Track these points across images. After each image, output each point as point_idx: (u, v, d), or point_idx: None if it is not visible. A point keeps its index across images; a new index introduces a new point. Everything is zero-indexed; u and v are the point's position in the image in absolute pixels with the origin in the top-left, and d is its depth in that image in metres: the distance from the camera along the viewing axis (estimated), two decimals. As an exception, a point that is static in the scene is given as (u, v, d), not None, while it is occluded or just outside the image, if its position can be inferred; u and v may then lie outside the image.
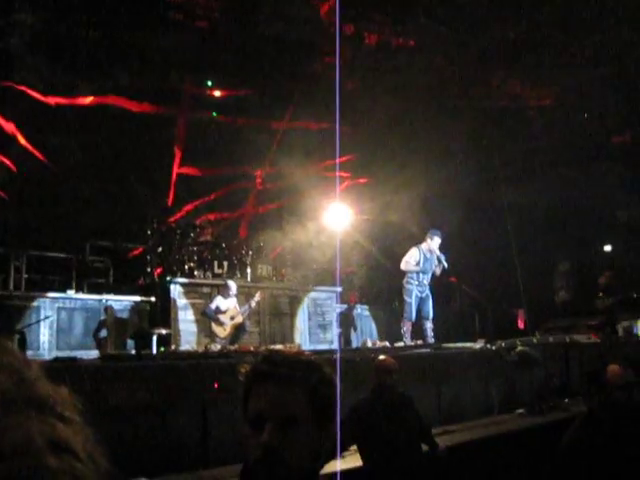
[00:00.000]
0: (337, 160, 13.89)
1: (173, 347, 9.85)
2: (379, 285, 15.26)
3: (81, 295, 10.89)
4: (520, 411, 8.53)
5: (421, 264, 10.73)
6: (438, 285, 11.86)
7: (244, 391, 1.55)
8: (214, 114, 15.00)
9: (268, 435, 1.44)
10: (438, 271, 10.84)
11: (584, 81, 14.45)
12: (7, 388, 0.53)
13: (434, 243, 10.73)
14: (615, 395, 3.52)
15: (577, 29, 13.27)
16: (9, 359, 0.56)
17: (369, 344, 11.25)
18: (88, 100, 13.20)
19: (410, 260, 10.77)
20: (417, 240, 11.14)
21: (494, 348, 10.06)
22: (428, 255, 10.77)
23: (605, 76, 14.16)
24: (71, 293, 10.75)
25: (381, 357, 5.11)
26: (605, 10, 12.75)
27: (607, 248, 17.52)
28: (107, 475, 0.55)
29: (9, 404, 0.52)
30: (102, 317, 10.56)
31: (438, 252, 10.74)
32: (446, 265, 10.75)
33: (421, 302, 10.79)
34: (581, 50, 13.67)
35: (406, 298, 10.80)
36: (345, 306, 13.71)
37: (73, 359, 6.91)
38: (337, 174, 14.84)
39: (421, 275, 10.77)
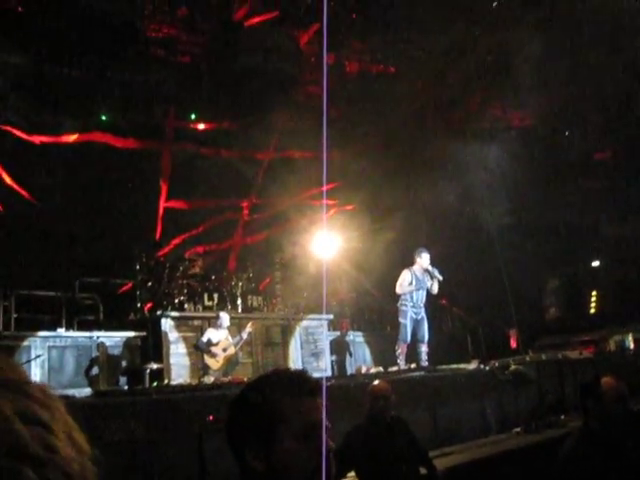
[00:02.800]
0: (324, 187, 13.96)
1: (166, 381, 9.78)
2: (370, 311, 15.25)
3: (72, 333, 10.80)
4: (517, 430, 8.51)
5: (414, 284, 10.63)
6: (429, 308, 11.84)
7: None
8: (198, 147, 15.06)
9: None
10: (435, 287, 10.63)
11: (563, 101, 14.67)
12: None
13: (424, 261, 10.56)
14: (610, 407, 3.53)
15: (553, 50, 13.49)
16: None
17: (363, 370, 11.22)
18: (72, 138, 13.25)
19: (404, 283, 10.63)
20: (406, 264, 11.08)
21: (488, 368, 10.07)
22: (420, 275, 10.67)
23: (584, 95, 14.36)
24: (61, 331, 10.65)
25: (375, 382, 5.10)
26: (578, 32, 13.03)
27: (595, 264, 17.61)
28: (85, 454, 0.55)
29: None
30: (93, 354, 10.49)
31: (430, 268, 10.57)
32: (440, 278, 10.53)
33: (416, 324, 10.63)
34: (558, 70, 13.87)
35: (401, 320, 10.63)
36: (337, 333, 13.68)
37: (65, 397, 6.85)
38: (324, 202, 14.90)
39: (415, 296, 10.63)
